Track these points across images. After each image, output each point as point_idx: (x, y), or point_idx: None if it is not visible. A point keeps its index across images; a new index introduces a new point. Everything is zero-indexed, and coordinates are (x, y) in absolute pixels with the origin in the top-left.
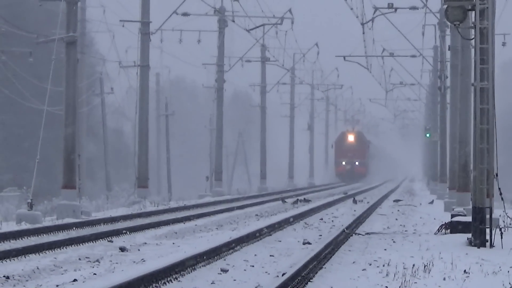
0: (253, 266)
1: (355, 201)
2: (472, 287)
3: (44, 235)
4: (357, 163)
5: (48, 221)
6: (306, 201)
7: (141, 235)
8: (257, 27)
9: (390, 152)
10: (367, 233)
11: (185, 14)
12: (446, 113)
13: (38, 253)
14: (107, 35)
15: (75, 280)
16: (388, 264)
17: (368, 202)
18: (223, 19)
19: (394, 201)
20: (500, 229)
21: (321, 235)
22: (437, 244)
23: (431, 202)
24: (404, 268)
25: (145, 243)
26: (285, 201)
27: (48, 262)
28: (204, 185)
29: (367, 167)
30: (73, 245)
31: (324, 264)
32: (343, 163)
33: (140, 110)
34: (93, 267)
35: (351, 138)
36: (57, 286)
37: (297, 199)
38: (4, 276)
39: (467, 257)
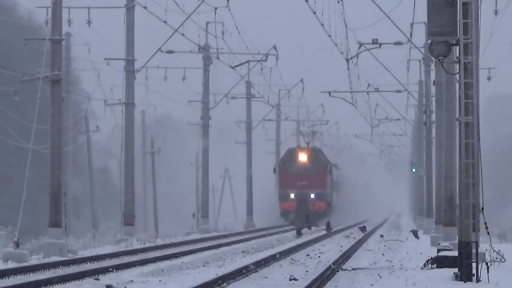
0: None
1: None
2: None
3: (31, 273)
4: (312, 195)
5: (34, 260)
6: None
7: (127, 273)
8: (242, 63)
9: (369, 182)
10: (354, 269)
11: (169, 52)
12: (432, 147)
13: None
14: (92, 73)
15: None
16: None
17: (354, 238)
18: (207, 56)
19: (381, 235)
20: (487, 264)
21: (307, 271)
22: (423, 279)
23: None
24: None
25: (132, 280)
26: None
27: None
28: (191, 222)
29: (329, 202)
30: (59, 284)
31: None
32: (291, 195)
33: (126, 147)
34: None
35: (303, 157)
36: None
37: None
38: None
39: None
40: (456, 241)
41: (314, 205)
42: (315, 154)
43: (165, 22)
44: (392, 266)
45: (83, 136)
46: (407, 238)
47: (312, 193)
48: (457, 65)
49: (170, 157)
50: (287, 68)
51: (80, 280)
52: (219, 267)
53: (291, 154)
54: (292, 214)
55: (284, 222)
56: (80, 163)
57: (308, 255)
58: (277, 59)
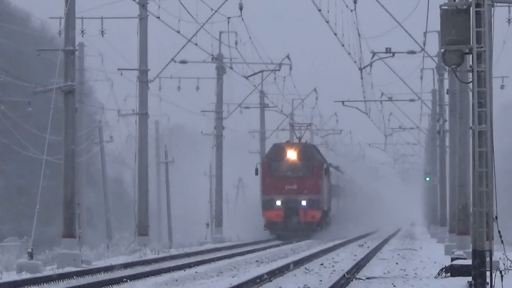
0: None
1: None
2: None
3: (45, 284)
4: (303, 202)
5: (48, 270)
6: None
7: (141, 283)
8: (255, 73)
9: (381, 191)
10: (368, 278)
11: (183, 62)
12: (446, 156)
13: None
14: (106, 84)
15: None
16: None
17: (368, 247)
18: (221, 66)
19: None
20: (501, 272)
21: (321, 280)
22: None
23: None
24: None
25: None
26: None
27: None
28: (205, 231)
29: (326, 211)
30: None
31: None
32: (277, 202)
33: (140, 158)
34: None
35: (292, 155)
36: None
37: None
38: None
39: None
40: (470, 250)
41: (306, 215)
42: (307, 151)
43: (178, 32)
44: (406, 275)
45: (96, 147)
46: (421, 247)
47: (303, 199)
48: (471, 73)
49: (184, 167)
50: (301, 77)
51: None
52: (233, 277)
53: (277, 151)
54: (279, 225)
55: (270, 236)
56: (94, 174)
57: (322, 264)
58: (290, 68)
